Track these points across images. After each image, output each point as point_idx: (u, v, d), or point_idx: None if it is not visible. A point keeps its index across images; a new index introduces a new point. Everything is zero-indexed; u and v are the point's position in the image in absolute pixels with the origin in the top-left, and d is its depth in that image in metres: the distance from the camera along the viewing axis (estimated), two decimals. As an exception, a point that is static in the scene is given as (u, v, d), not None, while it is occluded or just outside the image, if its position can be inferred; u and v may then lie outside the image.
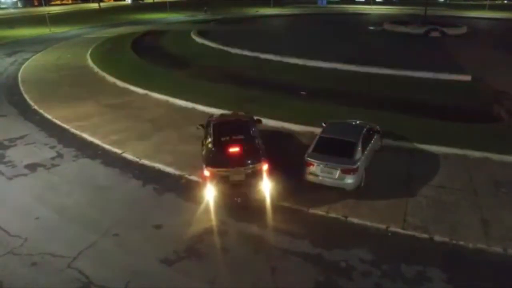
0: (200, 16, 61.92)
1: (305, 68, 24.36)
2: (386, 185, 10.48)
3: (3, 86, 21.54)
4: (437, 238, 8.49)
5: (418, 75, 21.43)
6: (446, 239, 8.43)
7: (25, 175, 11.61)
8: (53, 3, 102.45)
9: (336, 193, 9.95)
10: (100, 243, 8.57)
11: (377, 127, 12.18)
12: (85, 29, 46.59)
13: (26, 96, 19.23)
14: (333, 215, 9.36)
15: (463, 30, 40.90)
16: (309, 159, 10.08)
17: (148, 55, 29.25)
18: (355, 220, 9.15)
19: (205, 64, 26.38)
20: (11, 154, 13.01)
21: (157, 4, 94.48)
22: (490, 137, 13.03)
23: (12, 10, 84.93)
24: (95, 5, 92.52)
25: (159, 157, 12.37)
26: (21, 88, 20.63)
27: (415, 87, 19.78)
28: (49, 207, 9.94)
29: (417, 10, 61.82)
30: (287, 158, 11.54)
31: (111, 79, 21.79)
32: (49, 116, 16.27)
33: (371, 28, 46.08)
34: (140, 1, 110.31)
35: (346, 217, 9.27)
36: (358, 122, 12.11)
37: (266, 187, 9.72)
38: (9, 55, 30.64)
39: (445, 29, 38.94)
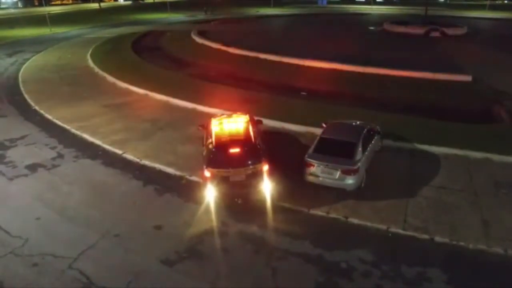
0: (201, 16, 61.94)
1: (305, 68, 24.34)
2: (387, 185, 10.49)
3: (4, 86, 21.56)
4: (438, 238, 8.50)
5: (418, 76, 21.40)
6: (447, 240, 8.44)
7: (26, 175, 11.63)
8: (53, 3, 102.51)
9: (337, 194, 9.96)
10: (100, 244, 8.59)
11: (378, 127, 12.18)
12: (86, 29, 46.61)
13: (26, 96, 19.24)
14: (333, 215, 9.37)
15: (463, 30, 40.87)
16: (309, 159, 10.08)
17: (148, 55, 29.29)
18: (356, 221, 9.16)
19: (205, 64, 26.39)
20: (12, 154, 13.02)
21: (158, 4, 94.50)
22: (491, 138, 13.03)
23: (12, 10, 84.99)
24: (95, 5, 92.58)
25: (159, 158, 12.39)
26: (22, 89, 20.65)
27: (415, 87, 19.77)
28: (50, 207, 9.95)
29: (418, 10, 61.86)
30: (287, 159, 11.55)
31: (111, 79, 21.80)
32: (49, 117, 16.28)
33: (371, 28, 46.07)
34: (141, 1, 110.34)
35: (346, 217, 9.28)
36: (358, 122, 12.11)
37: (267, 187, 9.72)
38: (10, 55, 30.66)
39: (445, 29, 38.89)
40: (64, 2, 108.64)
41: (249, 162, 9.49)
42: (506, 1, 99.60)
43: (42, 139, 14.25)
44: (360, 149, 10.18)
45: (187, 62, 27.54)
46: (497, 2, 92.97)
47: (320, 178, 9.98)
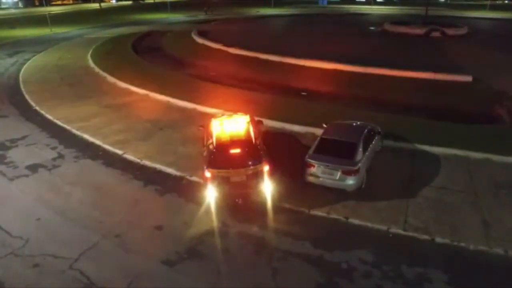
0: (201, 16, 61.95)
1: (305, 69, 24.34)
2: (387, 186, 10.49)
3: (5, 87, 21.58)
4: (438, 239, 8.50)
5: (419, 76, 21.39)
6: (447, 241, 8.44)
7: (27, 176, 11.64)
8: (54, 3, 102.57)
9: (337, 194, 9.95)
10: (101, 244, 8.59)
11: (378, 128, 12.18)
12: (86, 30, 46.63)
13: (27, 96, 19.25)
14: (334, 216, 9.37)
15: (464, 30, 40.85)
16: (310, 160, 10.09)
17: (149, 56, 29.30)
18: (356, 221, 9.16)
19: (205, 64, 26.40)
20: (13, 155, 13.03)
21: (158, 4, 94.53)
22: (491, 138, 13.03)
23: (13, 10, 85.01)
24: (96, 5, 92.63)
25: (160, 158, 12.39)
26: (22, 89, 20.66)
27: (416, 87, 19.77)
28: (51, 208, 9.96)
29: (418, 10, 61.83)
30: (287, 159, 11.55)
31: (112, 79, 21.82)
32: (50, 117, 16.30)
33: (372, 28, 46.05)
34: (141, 1, 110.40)
35: (347, 218, 9.28)
36: (359, 123, 12.11)
37: (267, 188, 9.71)
38: (10, 55, 30.68)
39: (445, 30, 38.88)
40: (64, 2, 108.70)
41: (250, 163, 9.48)
42: (506, 1, 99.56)
43: (42, 139, 14.27)
44: (360, 149, 10.19)
45: (188, 62, 27.55)
46: (497, 2, 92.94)
47: (321, 179, 9.98)
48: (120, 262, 8.08)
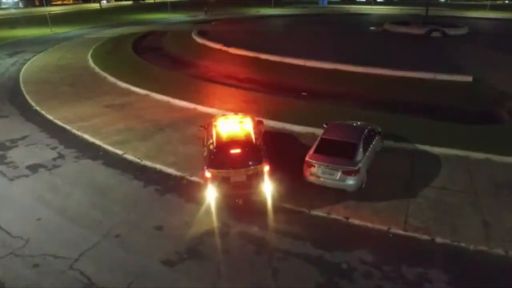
0: (201, 16, 61.96)
1: (305, 69, 24.35)
2: (387, 186, 10.48)
3: (5, 87, 21.58)
4: (438, 239, 8.50)
5: (419, 76, 21.40)
6: (447, 241, 8.43)
7: (27, 176, 11.64)
8: (54, 3, 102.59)
9: (337, 195, 9.95)
10: (101, 244, 8.59)
11: (378, 128, 12.17)
12: (86, 30, 46.64)
13: (27, 96, 19.26)
14: (334, 216, 9.37)
15: (464, 30, 40.86)
16: (310, 160, 10.08)
17: (149, 56, 29.30)
18: (356, 222, 9.15)
19: (206, 64, 26.41)
20: (13, 155, 13.03)
21: (158, 4, 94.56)
22: (491, 138, 13.02)
23: (13, 10, 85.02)
24: (96, 5, 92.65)
25: (160, 158, 12.39)
26: (23, 89, 20.67)
27: (416, 88, 19.77)
28: (51, 208, 9.96)
29: (418, 10, 61.81)
30: (288, 159, 11.55)
31: (112, 79, 21.82)
32: (50, 117, 16.29)
33: (372, 28, 46.04)
34: (141, 1, 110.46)
35: (347, 218, 9.28)
36: (359, 123, 12.11)
37: (268, 188, 9.71)
38: (11, 55, 30.69)
39: (446, 30, 38.89)
40: (65, 2, 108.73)
41: (250, 163, 9.48)
42: (507, 1, 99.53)
43: (43, 139, 14.26)
44: (361, 149, 10.18)
45: (188, 62, 27.55)
46: (497, 2, 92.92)
47: (321, 179, 9.98)
48: (120, 262, 8.08)
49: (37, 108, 17.55)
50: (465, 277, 7.56)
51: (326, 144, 10.44)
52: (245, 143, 9.91)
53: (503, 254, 8.05)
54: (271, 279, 7.61)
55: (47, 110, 17.02)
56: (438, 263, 7.87)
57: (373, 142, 11.26)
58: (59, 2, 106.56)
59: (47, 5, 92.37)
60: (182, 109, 17.07)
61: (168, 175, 11.56)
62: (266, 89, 19.68)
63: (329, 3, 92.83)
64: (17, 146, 13.75)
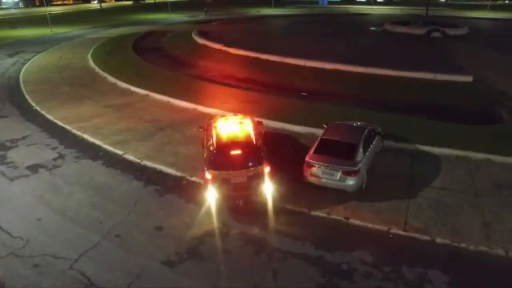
0: (201, 16, 61.98)
1: (305, 69, 24.35)
2: (388, 186, 10.47)
3: (5, 87, 21.58)
4: (439, 240, 8.49)
5: (419, 76, 21.41)
6: (448, 241, 8.43)
7: (27, 176, 11.63)
8: (54, 3, 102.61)
9: (338, 195, 9.94)
10: (101, 245, 8.58)
11: (378, 128, 12.17)
12: (87, 30, 46.67)
13: (27, 96, 19.26)
14: (334, 217, 9.37)
15: (464, 30, 40.89)
16: (310, 160, 10.08)
17: (149, 56, 29.31)
18: (357, 222, 9.15)
19: (206, 64, 26.41)
20: (13, 155, 13.03)
21: (159, 4, 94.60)
22: (492, 139, 13.02)
23: (13, 10, 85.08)
24: (96, 5, 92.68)
25: (160, 158, 12.39)
26: (23, 89, 20.68)
27: (416, 88, 19.77)
28: (51, 208, 9.96)
29: (418, 10, 61.84)
30: (288, 160, 11.55)
31: (112, 79, 21.83)
32: (50, 117, 16.30)
33: (372, 28, 46.06)
34: (141, 2, 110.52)
35: (347, 219, 9.27)
36: (359, 123, 12.11)
37: (268, 189, 9.67)
38: (11, 55, 30.70)
39: (446, 30, 38.92)
40: (65, 2, 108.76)
41: (250, 164, 9.42)
42: (507, 1, 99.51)
43: (43, 139, 14.26)
44: (361, 150, 10.17)
45: (188, 62, 27.57)
46: (498, 2, 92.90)
47: (321, 179, 9.97)
48: (120, 262, 8.07)
49: (37, 108, 17.55)
50: (465, 278, 7.55)
51: (326, 145, 10.43)
52: (245, 144, 9.87)
53: (503, 255, 8.04)
54: (271, 279, 7.60)
55: (47, 110, 17.03)
56: (438, 263, 7.86)
57: (373, 143, 11.25)
58: (60, 2, 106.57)
59: (47, 5, 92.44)
60: (182, 109, 17.07)
61: (168, 175, 11.56)
62: (266, 89, 19.68)
63: (329, 3, 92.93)
64: (17, 146, 13.75)
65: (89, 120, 15.77)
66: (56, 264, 7.99)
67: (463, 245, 8.32)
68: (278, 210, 9.64)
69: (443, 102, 17.62)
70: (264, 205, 9.71)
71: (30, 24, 52.92)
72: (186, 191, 10.69)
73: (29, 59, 28.60)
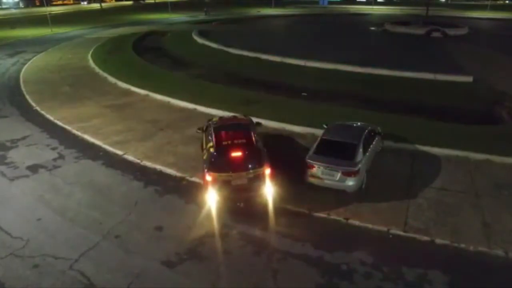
0: (201, 16, 61.99)
1: (305, 69, 24.35)
2: (388, 187, 10.47)
3: (5, 87, 21.60)
4: (438, 240, 8.48)
5: (419, 76, 21.40)
6: (447, 242, 8.42)
7: (27, 176, 11.64)
8: (54, 3, 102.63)
9: (338, 195, 9.93)
10: (101, 245, 8.59)
11: (378, 129, 12.16)
12: (87, 30, 46.69)
13: (27, 97, 19.28)
14: (334, 217, 9.36)
15: (464, 30, 40.87)
16: (310, 161, 10.07)
17: (149, 56, 29.33)
18: (356, 223, 9.14)
19: (206, 64, 26.42)
20: (13, 155, 13.04)
21: (159, 4, 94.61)
22: (492, 139, 13.00)
23: (13, 11, 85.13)
24: (96, 6, 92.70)
25: (160, 159, 12.39)
26: (23, 89, 20.71)
27: (416, 88, 19.76)
28: (51, 208, 9.96)
29: (419, 10, 61.84)
30: (288, 160, 11.54)
31: (112, 80, 21.84)
32: (50, 117, 16.31)
33: (372, 28, 46.05)
34: (142, 2, 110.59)
35: (347, 219, 9.27)
36: (359, 124, 12.10)
37: (269, 191, 9.60)
38: (11, 55, 30.72)
39: (446, 30, 38.90)
40: (65, 2, 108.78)
41: (251, 166, 9.36)
42: (507, 1, 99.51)
43: (43, 139, 14.27)
44: (360, 150, 10.17)
45: (188, 62, 27.59)
46: (498, 2, 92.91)
47: (321, 180, 9.96)
48: (120, 262, 8.07)
49: (37, 108, 17.56)
50: (465, 278, 7.55)
51: (326, 145, 10.41)
52: (245, 146, 9.84)
53: (503, 255, 8.04)
54: (271, 280, 7.60)
55: (47, 111, 17.04)
56: (438, 264, 7.86)
57: (373, 143, 11.25)
58: (60, 2, 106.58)
59: (47, 5, 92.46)
60: (182, 109, 17.07)
61: (168, 176, 11.55)
62: (266, 89, 19.67)
63: (330, 3, 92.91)
64: (17, 146, 13.76)
65: (89, 120, 15.77)
66: (56, 264, 8.00)
67: (463, 245, 8.31)
68: (278, 210, 9.62)
69: (443, 102, 17.61)
70: (264, 205, 9.70)
71: (30, 24, 52.96)
72: (186, 191, 10.69)
73: (29, 59, 28.62)
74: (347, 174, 9.68)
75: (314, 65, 24.73)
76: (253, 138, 10.19)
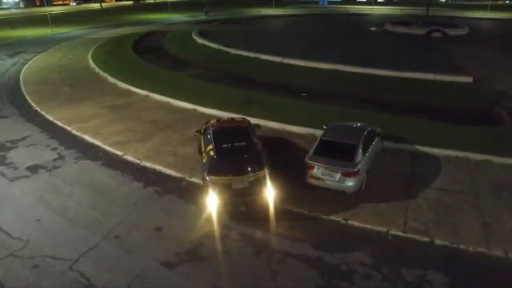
0: (201, 16, 61.98)
1: (305, 69, 24.34)
2: (387, 188, 10.47)
3: (5, 87, 21.61)
4: (438, 241, 8.48)
5: (419, 77, 21.38)
6: (447, 243, 8.42)
7: (27, 177, 11.64)
8: (54, 3, 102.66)
9: (337, 196, 9.94)
10: (101, 246, 8.59)
11: (378, 129, 12.16)
12: (87, 30, 46.70)
13: (27, 97, 19.29)
14: (333, 218, 9.36)
15: (464, 30, 40.86)
16: (309, 161, 10.07)
17: (149, 56, 29.34)
18: (356, 223, 9.14)
19: (206, 65, 26.42)
20: (13, 155, 13.04)
21: (159, 4, 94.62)
22: (492, 140, 13.00)
23: (14, 11, 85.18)
24: (96, 6, 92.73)
25: (160, 159, 12.40)
26: (23, 89, 20.71)
27: (416, 88, 19.75)
28: (51, 209, 9.97)
29: (419, 10, 61.85)
30: (287, 161, 11.54)
31: (112, 80, 21.84)
32: (50, 118, 16.31)
33: (372, 28, 46.05)
34: (142, 2, 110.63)
35: (346, 220, 9.27)
36: (359, 124, 12.09)
37: (270, 193, 9.50)
38: (11, 55, 30.74)
39: (446, 30, 38.90)
40: (65, 2, 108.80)
41: (252, 169, 9.25)
42: (507, 1, 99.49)
43: (43, 140, 14.27)
44: (360, 151, 10.17)
45: (188, 62, 27.59)
46: (498, 2, 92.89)
47: (321, 180, 9.96)
48: (120, 263, 8.08)
49: (37, 108, 17.57)
50: (464, 279, 7.55)
51: (326, 146, 10.41)
52: (246, 149, 9.78)
53: (503, 256, 8.04)
54: (270, 280, 7.61)
55: (47, 111, 17.04)
56: (438, 265, 7.86)
57: (373, 143, 11.25)
58: (60, 2, 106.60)
59: (47, 5, 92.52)
60: (182, 109, 17.07)
61: (168, 176, 11.56)
62: (266, 90, 19.67)
63: (330, 3, 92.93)
64: (17, 147, 13.76)
65: (89, 120, 15.78)
66: (56, 265, 8.01)
67: (462, 246, 8.32)
68: (277, 211, 9.61)
69: (443, 102, 17.60)
70: (264, 207, 9.67)
71: (30, 24, 53.00)
72: (186, 192, 10.69)
73: (29, 59, 28.64)
74: (347, 174, 9.68)
75: (314, 65, 24.71)
76: (253, 141, 10.14)
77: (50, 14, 50.35)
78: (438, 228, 8.86)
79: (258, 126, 12.33)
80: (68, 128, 15.17)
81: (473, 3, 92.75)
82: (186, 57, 29.22)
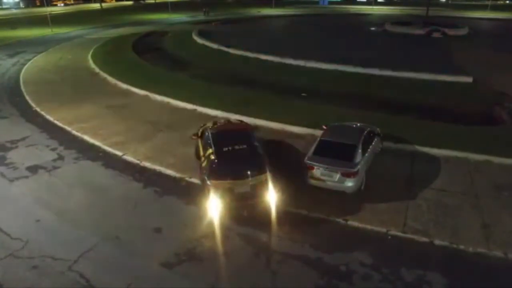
0: (201, 16, 61.98)
1: (305, 70, 24.34)
2: (387, 188, 10.46)
3: (5, 87, 21.60)
4: (438, 241, 8.48)
5: (419, 77, 21.39)
6: (446, 243, 8.41)
7: (27, 177, 11.64)
8: (55, 3, 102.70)
9: (337, 196, 9.93)
10: (100, 246, 8.59)
11: (378, 129, 12.16)
12: (87, 30, 46.70)
13: (27, 97, 19.28)
14: (333, 218, 9.35)
15: (464, 31, 40.85)
16: (309, 162, 10.07)
17: (149, 56, 29.33)
18: (356, 224, 9.14)
19: (206, 65, 26.42)
20: (13, 156, 13.04)
21: (159, 4, 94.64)
22: (491, 140, 12.99)
23: (14, 11, 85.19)
24: (96, 6, 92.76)
25: (160, 159, 12.39)
26: (23, 89, 20.70)
27: (416, 88, 19.75)
28: (50, 209, 9.96)
29: (419, 10, 61.83)
30: (286, 161, 11.54)
31: (112, 80, 21.84)
32: (50, 118, 16.31)
33: (372, 28, 46.05)
34: (142, 2, 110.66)
35: (346, 220, 9.26)
36: (358, 125, 12.09)
37: (272, 196, 9.40)
38: (11, 56, 30.73)
39: (446, 30, 38.90)
40: (65, 2, 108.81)
41: (254, 173, 9.14)
42: (507, 1, 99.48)
43: (42, 140, 14.27)
44: (360, 151, 10.16)
45: (188, 62, 27.59)
46: (498, 2, 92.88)
47: (320, 181, 9.96)
48: (119, 264, 8.08)
49: (37, 109, 17.56)
50: (464, 280, 7.54)
51: (325, 146, 10.41)
52: (247, 152, 9.72)
53: (503, 256, 8.03)
54: (270, 281, 7.60)
55: (47, 111, 17.04)
56: (437, 265, 7.86)
57: (373, 144, 11.25)
58: (60, 2, 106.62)
59: (47, 5, 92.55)
60: (182, 110, 17.07)
61: (168, 177, 11.55)
62: (266, 90, 19.67)
63: (330, 3, 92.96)
64: (17, 147, 13.76)
65: (89, 121, 15.77)
66: (55, 265, 8.00)
67: (462, 246, 8.31)
68: (277, 212, 9.59)
69: (443, 103, 17.60)
70: (263, 208, 9.67)
71: (30, 24, 52.99)
72: (186, 192, 10.68)
73: (29, 60, 28.64)
74: (346, 175, 9.68)
75: (313, 65, 24.72)
76: (254, 144, 10.08)
77: (50, 14, 50.34)
78: (437, 228, 8.85)
79: (256, 128, 12.22)
80: (68, 128, 15.17)
81: (473, 3, 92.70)
82: (186, 57, 29.23)
